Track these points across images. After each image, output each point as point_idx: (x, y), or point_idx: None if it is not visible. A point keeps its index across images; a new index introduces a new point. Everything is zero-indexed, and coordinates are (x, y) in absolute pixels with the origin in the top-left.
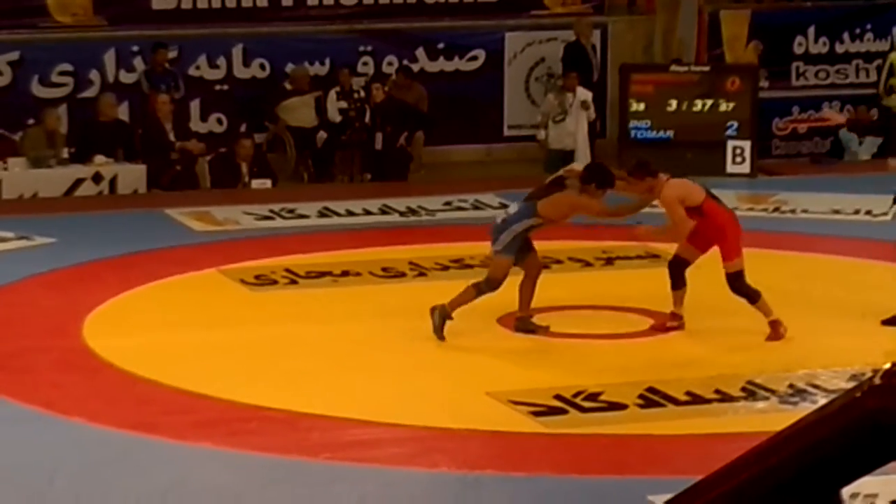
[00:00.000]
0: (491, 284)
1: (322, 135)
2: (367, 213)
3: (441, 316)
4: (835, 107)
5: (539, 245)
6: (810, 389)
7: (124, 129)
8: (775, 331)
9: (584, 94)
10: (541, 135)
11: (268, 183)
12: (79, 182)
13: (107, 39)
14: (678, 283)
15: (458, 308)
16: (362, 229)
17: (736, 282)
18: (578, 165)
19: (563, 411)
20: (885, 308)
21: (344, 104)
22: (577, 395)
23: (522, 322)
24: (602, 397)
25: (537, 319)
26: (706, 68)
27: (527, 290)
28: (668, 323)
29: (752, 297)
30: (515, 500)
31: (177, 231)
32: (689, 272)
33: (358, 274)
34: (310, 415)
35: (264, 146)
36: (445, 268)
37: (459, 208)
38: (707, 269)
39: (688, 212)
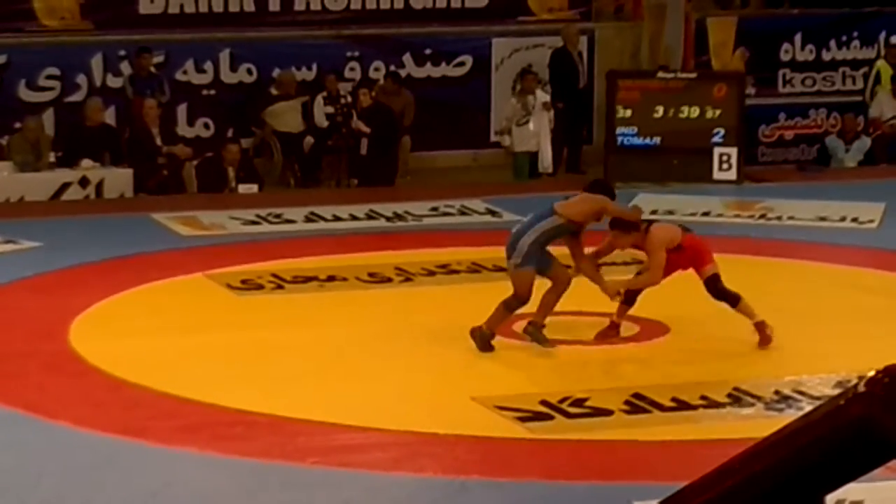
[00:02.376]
0: (520, 300)
1: (309, 140)
2: (354, 218)
3: (483, 338)
4: (821, 114)
5: None
6: (796, 396)
7: (111, 133)
8: (762, 333)
9: (543, 95)
10: (505, 140)
11: (254, 188)
12: (65, 186)
13: (94, 44)
14: (631, 301)
15: (497, 326)
16: (349, 234)
17: (717, 284)
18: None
19: (549, 417)
20: (872, 314)
21: (331, 109)
22: (563, 400)
23: (534, 328)
24: (588, 403)
25: (518, 326)
26: (693, 75)
27: (550, 300)
28: (608, 331)
29: (733, 300)
30: None
31: (163, 235)
32: (676, 276)
33: (344, 279)
34: (295, 419)
35: (251, 151)
36: (432, 273)
37: (446, 214)
38: (691, 274)
39: (669, 251)
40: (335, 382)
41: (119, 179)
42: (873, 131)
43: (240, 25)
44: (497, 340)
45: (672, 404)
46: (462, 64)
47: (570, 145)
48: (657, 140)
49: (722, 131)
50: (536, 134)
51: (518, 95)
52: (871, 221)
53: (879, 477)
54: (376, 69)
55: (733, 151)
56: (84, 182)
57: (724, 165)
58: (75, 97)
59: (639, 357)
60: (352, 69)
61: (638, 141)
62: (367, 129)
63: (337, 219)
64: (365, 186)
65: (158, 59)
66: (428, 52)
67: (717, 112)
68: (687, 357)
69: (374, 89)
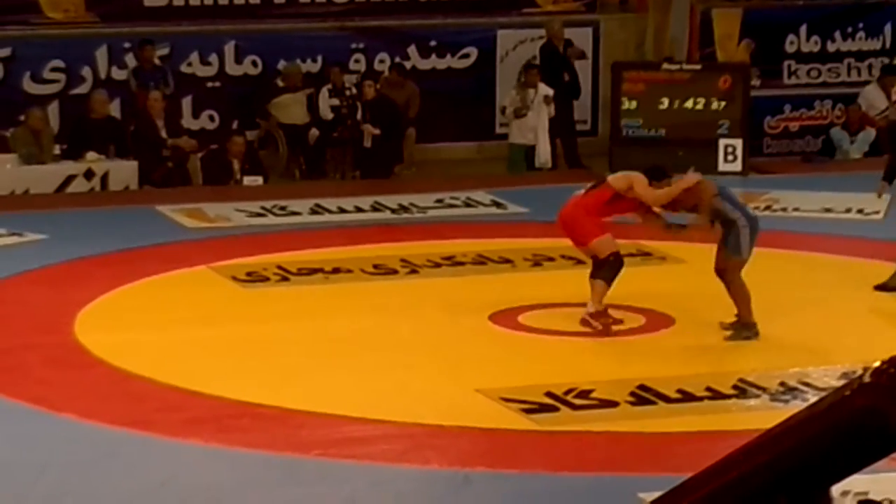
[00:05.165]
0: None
1: (314, 132)
2: (359, 210)
3: (747, 328)
4: (826, 105)
5: (532, 243)
6: (801, 387)
7: (116, 125)
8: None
9: (545, 89)
10: (516, 107)
11: (259, 180)
12: (70, 178)
13: (99, 36)
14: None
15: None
16: (354, 226)
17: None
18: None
19: (554, 409)
20: (877, 306)
21: (336, 101)
22: (568, 392)
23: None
24: (593, 395)
25: (523, 318)
26: (698, 67)
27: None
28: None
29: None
30: (506, 497)
31: (168, 228)
32: (681, 270)
33: (349, 271)
34: (301, 412)
35: (256, 143)
36: (437, 265)
37: (451, 205)
38: (696, 265)
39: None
40: (340, 374)
41: (124, 172)
42: (862, 125)
43: (245, 17)
44: (502, 332)
45: (678, 396)
46: (467, 56)
47: (564, 138)
48: (662, 132)
49: (727, 123)
50: (534, 128)
51: (519, 88)
52: (877, 213)
53: (884, 468)
54: (381, 61)
55: (738, 143)
56: (89, 174)
57: (730, 157)
58: (80, 90)
59: (644, 348)
60: (357, 61)
61: (643, 133)
62: (376, 131)
63: (342, 211)
64: (366, 178)
65: (163, 51)
66: (433, 43)
67: (722, 104)
68: (692, 348)
69: (379, 81)
